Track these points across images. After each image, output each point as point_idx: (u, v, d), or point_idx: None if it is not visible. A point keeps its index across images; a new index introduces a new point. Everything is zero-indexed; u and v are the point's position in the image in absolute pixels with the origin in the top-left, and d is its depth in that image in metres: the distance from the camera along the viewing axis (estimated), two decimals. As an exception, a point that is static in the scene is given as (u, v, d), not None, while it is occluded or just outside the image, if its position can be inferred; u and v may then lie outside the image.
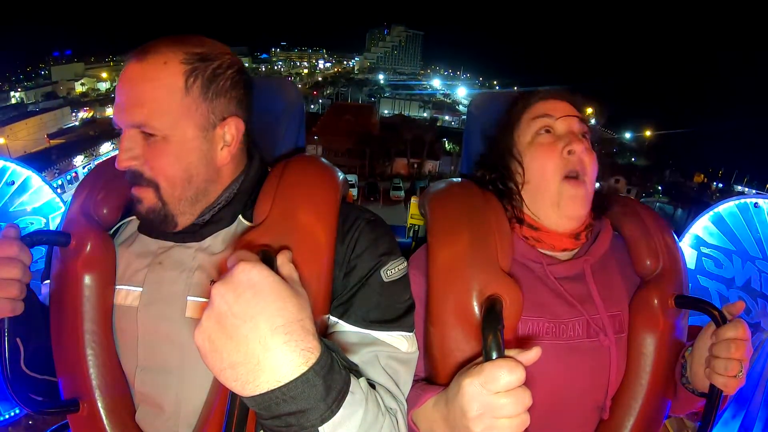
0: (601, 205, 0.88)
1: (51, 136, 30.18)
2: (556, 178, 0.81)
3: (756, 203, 1.32)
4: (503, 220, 0.80)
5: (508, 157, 0.87)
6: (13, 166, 1.40)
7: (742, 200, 1.34)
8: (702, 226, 1.39)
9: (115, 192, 0.77)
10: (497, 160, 0.89)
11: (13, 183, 1.39)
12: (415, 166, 29.74)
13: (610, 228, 0.88)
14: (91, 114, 38.37)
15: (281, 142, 1.00)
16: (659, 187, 30.07)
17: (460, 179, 0.91)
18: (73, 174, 24.91)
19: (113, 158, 0.81)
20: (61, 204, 1.46)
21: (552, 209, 0.81)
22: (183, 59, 0.66)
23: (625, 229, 0.88)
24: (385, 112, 47.63)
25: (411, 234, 1.16)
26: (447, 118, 49.65)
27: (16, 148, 26.61)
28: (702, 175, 33.74)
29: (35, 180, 1.44)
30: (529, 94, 0.91)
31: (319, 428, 0.46)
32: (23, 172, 1.41)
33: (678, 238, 1.18)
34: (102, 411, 0.70)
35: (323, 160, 0.78)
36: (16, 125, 28.56)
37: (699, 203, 26.65)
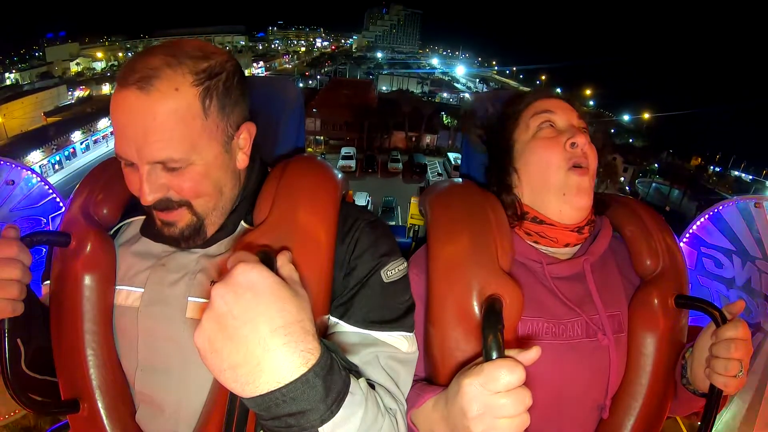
0: (599, 202, 0.88)
1: (48, 114, 29.90)
2: (561, 168, 0.81)
3: (756, 203, 1.32)
4: (503, 220, 0.80)
5: (508, 154, 0.87)
6: (13, 166, 1.40)
7: (743, 200, 1.34)
8: (702, 226, 1.38)
9: (115, 192, 0.77)
10: (498, 158, 0.89)
11: (13, 183, 1.38)
12: (413, 139, 29.88)
13: (609, 227, 0.88)
14: (87, 93, 38.26)
15: (281, 142, 1.00)
16: (656, 166, 30.06)
17: (460, 179, 0.91)
18: (71, 150, 24.99)
19: (113, 159, 0.81)
20: (61, 204, 1.46)
21: (557, 199, 0.81)
22: (193, 81, 0.60)
23: (625, 229, 0.88)
24: (384, 88, 47.27)
25: (411, 234, 1.16)
26: (445, 95, 49.36)
27: (12, 126, 26.40)
28: (699, 159, 33.59)
29: (35, 180, 1.43)
30: (526, 93, 0.92)
31: (319, 429, 0.46)
32: (23, 172, 1.41)
33: (678, 237, 1.18)
34: (102, 411, 0.70)
35: (323, 160, 0.78)
36: (11, 104, 28.10)
37: (695, 185, 26.58)
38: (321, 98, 32.73)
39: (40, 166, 22.55)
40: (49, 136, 25.01)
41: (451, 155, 26.35)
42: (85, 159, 25.28)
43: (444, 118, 32.62)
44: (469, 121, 0.99)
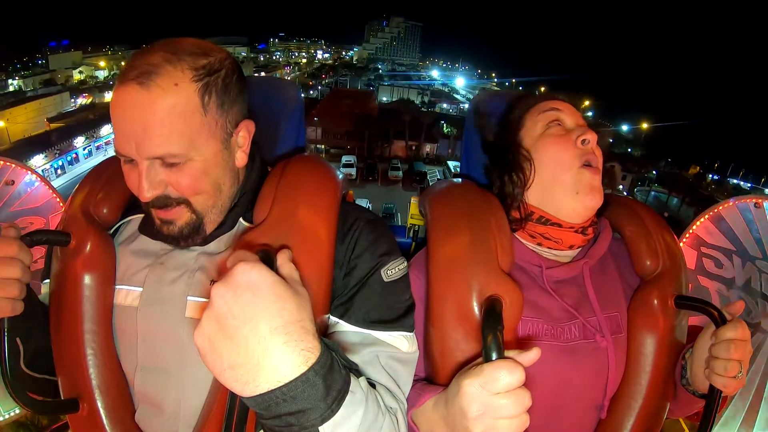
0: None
1: (50, 120, 30.04)
2: (573, 166, 0.80)
3: (756, 203, 1.31)
4: (503, 221, 0.80)
5: (516, 154, 0.86)
6: (12, 166, 1.40)
7: (743, 200, 1.33)
8: (702, 226, 1.38)
9: (115, 191, 0.77)
10: (503, 158, 0.88)
11: (13, 183, 1.38)
12: (413, 148, 30.30)
13: (609, 229, 0.88)
14: (90, 100, 38.43)
15: (281, 142, 1.00)
16: (654, 173, 30.11)
17: (460, 180, 0.91)
18: (74, 155, 25.29)
19: (114, 158, 0.81)
20: (61, 204, 1.46)
21: (569, 198, 0.80)
22: (192, 77, 0.61)
23: (624, 229, 0.88)
24: (384, 99, 48.00)
25: (411, 234, 1.16)
26: (445, 105, 49.84)
27: (15, 131, 26.60)
28: (697, 167, 33.67)
29: (35, 179, 1.43)
30: (530, 95, 0.92)
31: (320, 428, 0.46)
32: (23, 172, 1.41)
33: (678, 238, 1.18)
34: (102, 411, 0.70)
35: (323, 159, 0.78)
36: (15, 109, 28.30)
37: (693, 193, 26.66)
38: (322, 107, 33.17)
39: (42, 170, 22.79)
40: (51, 141, 25.28)
41: (451, 164, 26.77)
42: (87, 164, 25.54)
43: (444, 127, 33.06)
44: (474, 121, 0.99)
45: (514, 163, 0.86)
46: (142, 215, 0.76)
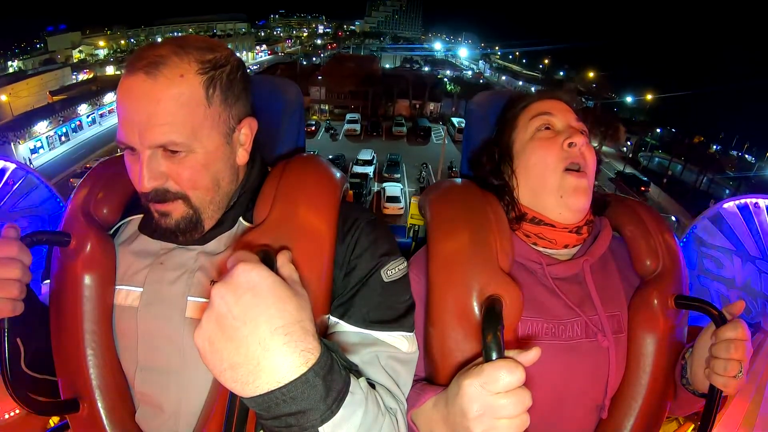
0: (599, 202, 0.88)
1: (53, 93, 30.17)
2: (557, 169, 0.81)
3: (756, 203, 1.32)
4: (503, 221, 0.80)
5: (507, 155, 0.88)
6: (13, 166, 1.40)
7: (743, 200, 1.34)
8: (702, 226, 1.38)
9: (115, 191, 0.77)
10: (496, 159, 0.89)
11: (13, 183, 1.38)
12: (417, 107, 30.85)
13: (609, 228, 0.88)
14: (91, 75, 38.71)
15: (281, 142, 1.00)
16: (659, 131, 30.21)
17: (460, 180, 0.91)
18: (77, 122, 25.62)
19: (114, 158, 0.81)
20: (62, 204, 1.46)
21: (554, 201, 0.82)
22: (198, 69, 0.63)
23: (625, 229, 0.88)
24: (387, 66, 48.93)
25: (411, 234, 1.16)
26: (448, 72, 50.33)
27: (17, 106, 26.83)
28: (702, 138, 33.26)
29: (35, 180, 1.43)
30: (525, 94, 0.93)
31: (319, 428, 0.46)
32: (23, 172, 1.41)
33: (678, 238, 1.18)
34: (102, 411, 0.70)
35: (323, 159, 0.79)
36: (17, 85, 28.54)
37: (695, 155, 26.95)
38: (326, 68, 33.86)
39: (47, 137, 22.91)
40: (55, 112, 25.47)
41: (455, 120, 27.50)
42: (91, 132, 26.05)
43: (446, 85, 33.51)
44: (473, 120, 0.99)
45: (505, 165, 0.87)
46: (141, 215, 0.76)
